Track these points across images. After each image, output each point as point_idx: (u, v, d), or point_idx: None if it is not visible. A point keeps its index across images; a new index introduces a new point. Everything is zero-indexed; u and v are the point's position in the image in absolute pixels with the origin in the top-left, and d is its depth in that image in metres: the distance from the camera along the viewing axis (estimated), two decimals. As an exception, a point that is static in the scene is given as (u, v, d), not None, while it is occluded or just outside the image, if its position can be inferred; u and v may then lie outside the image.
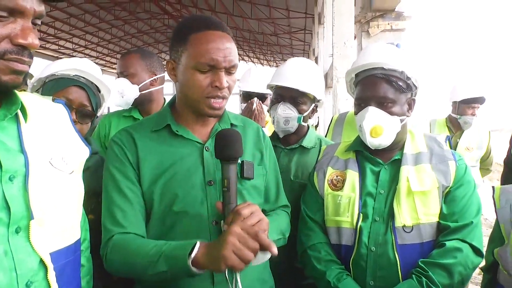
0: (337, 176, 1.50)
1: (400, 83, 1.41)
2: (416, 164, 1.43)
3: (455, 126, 3.48)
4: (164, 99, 2.17)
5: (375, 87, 1.41)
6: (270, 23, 16.71)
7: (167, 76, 2.20)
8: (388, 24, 4.00)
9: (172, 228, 1.18)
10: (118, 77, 2.04)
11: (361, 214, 1.41)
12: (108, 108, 8.58)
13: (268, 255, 1.07)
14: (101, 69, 1.99)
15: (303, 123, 1.85)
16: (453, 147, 2.58)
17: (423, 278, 1.30)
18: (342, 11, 5.63)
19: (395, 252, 1.35)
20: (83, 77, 1.51)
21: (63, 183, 0.89)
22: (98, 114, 1.61)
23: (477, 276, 3.81)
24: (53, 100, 1.02)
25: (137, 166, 1.19)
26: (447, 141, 1.51)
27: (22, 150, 0.83)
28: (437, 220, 1.38)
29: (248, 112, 2.22)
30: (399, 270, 1.35)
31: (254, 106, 2.23)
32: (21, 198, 0.80)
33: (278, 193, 1.38)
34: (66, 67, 1.51)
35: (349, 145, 1.57)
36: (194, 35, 1.15)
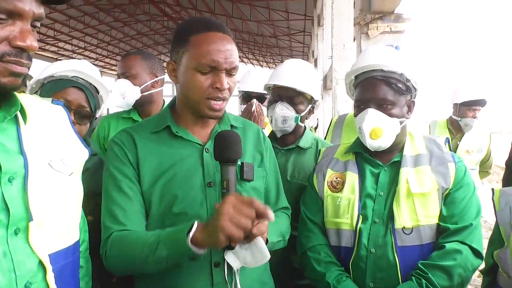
0: (336, 178, 1.50)
1: (400, 85, 1.42)
2: (416, 166, 1.43)
3: (455, 129, 3.47)
4: (164, 101, 2.16)
5: (375, 89, 1.41)
6: (270, 25, 16.74)
7: (166, 78, 2.20)
8: (388, 26, 4.00)
9: None
10: (119, 78, 2.04)
11: (360, 216, 1.41)
12: (108, 109, 8.58)
13: (268, 257, 1.07)
14: (101, 71, 1.99)
15: (300, 123, 1.86)
16: (453, 149, 2.58)
17: (423, 280, 1.30)
18: (341, 13, 5.65)
19: (395, 254, 1.35)
20: (82, 78, 1.51)
21: (63, 185, 0.89)
22: (97, 116, 1.61)
23: (476, 279, 3.81)
24: (52, 101, 1.02)
25: (137, 166, 1.19)
26: (447, 143, 1.51)
27: (22, 152, 0.83)
28: (437, 222, 1.38)
29: (248, 114, 2.22)
30: (399, 272, 1.35)
31: (254, 107, 2.23)
32: (20, 199, 0.80)
33: (278, 195, 1.38)
34: (64, 68, 1.51)
35: (348, 146, 1.57)
36: (195, 36, 1.15)
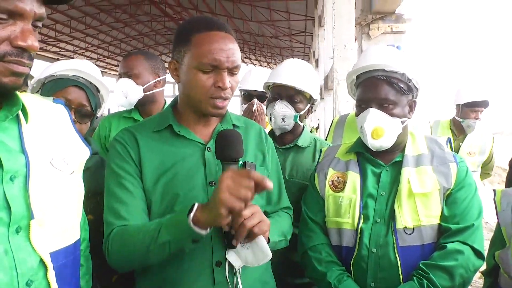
0: (338, 178, 1.50)
1: (401, 85, 1.41)
2: (417, 166, 1.43)
3: (458, 130, 3.45)
4: (165, 100, 2.17)
5: (376, 89, 1.41)
6: (270, 25, 16.75)
7: (167, 78, 2.21)
8: (389, 26, 4.00)
9: None
10: (121, 78, 2.04)
11: (362, 216, 1.41)
12: (109, 109, 8.58)
13: (269, 256, 1.07)
14: (102, 71, 2.00)
15: (299, 122, 1.87)
16: (455, 151, 2.57)
17: (424, 280, 1.29)
18: (342, 13, 5.65)
19: (396, 254, 1.35)
20: (82, 77, 1.52)
21: (64, 184, 0.89)
22: (98, 115, 1.61)
23: (477, 280, 3.80)
24: (52, 100, 1.02)
25: (139, 164, 1.18)
26: (448, 143, 1.51)
27: (23, 151, 0.83)
28: (438, 222, 1.37)
29: (249, 113, 2.23)
30: (400, 272, 1.34)
31: (255, 107, 2.23)
32: (21, 198, 0.80)
33: (280, 195, 1.38)
34: (64, 68, 1.52)
35: (350, 146, 1.57)
36: (197, 35, 1.15)
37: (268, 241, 1.12)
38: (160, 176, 1.18)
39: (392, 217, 1.38)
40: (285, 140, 1.89)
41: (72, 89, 1.48)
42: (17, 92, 0.84)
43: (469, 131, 3.36)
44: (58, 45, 20.64)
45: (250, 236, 1.05)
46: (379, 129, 1.39)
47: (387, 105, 1.40)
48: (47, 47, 20.59)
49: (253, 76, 2.85)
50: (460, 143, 3.40)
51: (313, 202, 1.54)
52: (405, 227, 1.36)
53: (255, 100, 2.31)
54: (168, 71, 1.39)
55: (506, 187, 1.59)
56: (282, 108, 1.81)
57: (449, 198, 1.39)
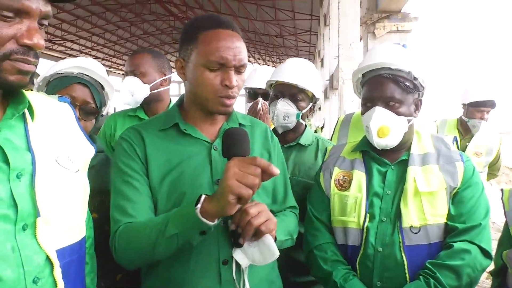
0: (343, 176, 1.49)
1: (407, 83, 1.40)
2: (423, 165, 1.42)
3: (465, 129, 3.43)
4: (170, 99, 2.17)
5: (382, 87, 1.40)
6: (276, 24, 16.74)
7: (172, 78, 2.21)
8: (394, 25, 3.99)
9: None
10: (127, 76, 2.04)
11: (368, 215, 1.40)
12: (114, 108, 8.62)
13: (276, 255, 1.07)
14: (107, 70, 2.00)
15: (301, 121, 1.88)
16: (462, 150, 2.54)
17: (431, 279, 1.28)
18: (348, 12, 5.64)
19: (402, 253, 1.34)
20: (87, 75, 1.52)
21: (69, 182, 0.90)
22: (104, 113, 1.62)
23: (485, 281, 3.78)
24: (58, 98, 1.02)
25: (145, 162, 1.18)
26: (454, 142, 1.50)
27: (29, 149, 0.84)
28: (445, 221, 1.36)
29: (253, 112, 2.23)
30: (406, 271, 1.34)
31: (259, 106, 2.23)
32: (28, 196, 0.80)
33: (286, 194, 1.38)
34: (69, 65, 1.53)
35: (355, 145, 1.56)
36: (204, 33, 1.14)
37: (275, 239, 1.12)
38: (166, 175, 1.18)
39: (398, 216, 1.37)
40: (288, 138, 1.89)
41: (77, 86, 1.49)
42: (23, 90, 0.85)
43: (475, 131, 3.33)
44: (64, 44, 20.75)
45: (257, 234, 1.05)
46: (385, 128, 1.39)
47: (393, 103, 1.40)
48: (53, 46, 20.71)
49: (259, 74, 2.85)
50: (467, 143, 3.36)
51: (318, 201, 1.53)
52: (411, 226, 1.35)
53: (260, 99, 2.31)
54: (174, 69, 1.39)
55: None
56: (285, 106, 1.82)
57: (455, 197, 1.38)
